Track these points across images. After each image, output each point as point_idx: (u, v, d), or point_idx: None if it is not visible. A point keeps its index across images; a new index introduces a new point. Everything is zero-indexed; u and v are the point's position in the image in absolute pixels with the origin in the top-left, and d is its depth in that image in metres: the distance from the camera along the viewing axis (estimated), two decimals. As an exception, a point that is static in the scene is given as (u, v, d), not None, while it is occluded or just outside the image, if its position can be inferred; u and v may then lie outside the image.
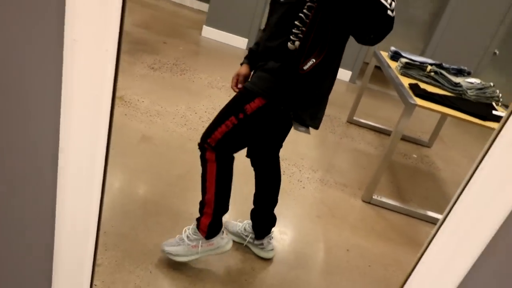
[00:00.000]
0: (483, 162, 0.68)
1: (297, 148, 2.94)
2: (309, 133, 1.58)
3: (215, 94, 3.47)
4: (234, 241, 1.85)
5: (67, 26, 0.60)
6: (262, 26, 5.07)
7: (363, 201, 2.57)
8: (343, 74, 5.02)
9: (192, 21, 5.53)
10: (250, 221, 1.87)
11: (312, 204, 2.38)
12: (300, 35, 1.37)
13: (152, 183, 2.15)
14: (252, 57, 1.64)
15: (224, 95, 3.49)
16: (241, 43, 4.99)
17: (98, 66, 0.63)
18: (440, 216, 2.57)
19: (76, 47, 0.61)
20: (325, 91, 1.54)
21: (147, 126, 2.66)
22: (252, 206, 1.84)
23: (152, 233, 1.82)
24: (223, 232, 1.70)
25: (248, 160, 1.79)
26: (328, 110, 3.87)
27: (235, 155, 1.60)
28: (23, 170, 0.80)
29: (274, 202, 1.81)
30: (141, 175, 2.19)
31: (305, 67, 1.38)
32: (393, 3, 1.24)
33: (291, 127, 1.67)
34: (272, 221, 1.84)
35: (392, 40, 5.10)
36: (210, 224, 1.62)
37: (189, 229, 1.67)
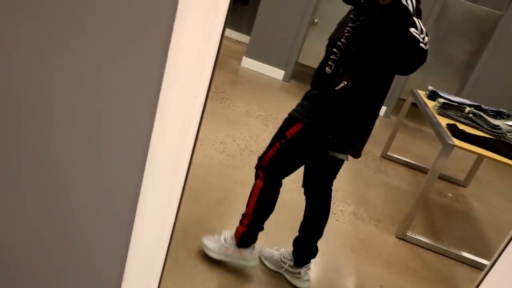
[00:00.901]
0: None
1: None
2: (347, 159, 1.67)
3: (252, 122, 3.59)
4: (269, 269, 1.92)
5: (166, 75, 0.71)
6: (300, 59, 5.24)
7: (397, 237, 2.56)
8: (378, 109, 5.07)
9: (233, 52, 5.76)
10: (288, 249, 1.93)
11: (345, 238, 2.40)
12: (336, 60, 1.49)
13: (192, 206, 2.25)
14: None
15: (260, 124, 3.61)
16: (279, 75, 5.16)
17: (187, 110, 0.74)
18: (476, 258, 2.53)
19: (171, 92, 0.72)
20: (363, 120, 1.60)
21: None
22: (296, 234, 1.89)
23: (191, 254, 1.90)
24: (254, 248, 1.83)
25: (292, 191, 1.86)
26: (363, 144, 3.91)
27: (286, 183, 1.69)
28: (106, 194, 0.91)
29: (320, 233, 1.86)
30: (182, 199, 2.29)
31: (337, 88, 1.47)
32: (426, 38, 1.35)
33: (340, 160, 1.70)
34: (313, 251, 1.89)
35: (428, 79, 5.16)
36: (244, 234, 1.79)
37: (229, 233, 1.86)
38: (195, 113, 0.75)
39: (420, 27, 1.37)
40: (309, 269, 1.91)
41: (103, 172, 0.90)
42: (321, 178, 1.79)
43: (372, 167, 3.53)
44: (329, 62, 1.54)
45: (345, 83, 1.47)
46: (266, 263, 1.95)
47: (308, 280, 1.90)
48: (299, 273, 1.88)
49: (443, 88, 3.87)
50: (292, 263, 1.89)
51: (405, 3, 1.30)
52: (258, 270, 1.93)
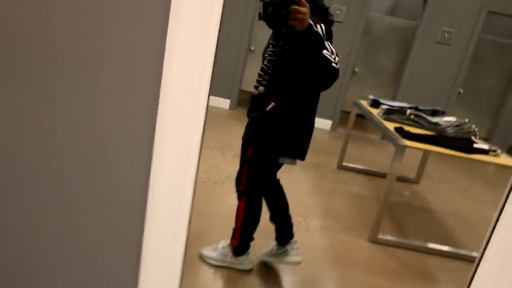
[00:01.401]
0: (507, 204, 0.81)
1: (298, 198, 3.05)
2: (295, 164, 1.85)
3: (208, 153, 3.59)
4: (264, 262, 2.17)
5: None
6: (243, 87, 5.38)
7: (370, 241, 2.66)
8: (324, 124, 5.29)
9: (175, 88, 5.76)
10: (225, 241, 2.12)
11: (323, 251, 2.45)
12: (264, 82, 1.69)
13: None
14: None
15: (217, 153, 3.61)
16: (225, 104, 5.23)
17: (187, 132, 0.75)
18: (444, 248, 2.69)
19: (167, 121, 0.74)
20: (302, 130, 1.81)
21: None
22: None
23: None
24: (248, 254, 2.05)
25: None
26: (318, 158, 4.06)
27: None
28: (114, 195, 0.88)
29: (286, 205, 2.09)
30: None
31: (268, 108, 1.70)
32: (337, 58, 1.53)
33: None
34: (290, 221, 2.11)
35: (365, 89, 5.49)
36: (237, 246, 2.02)
37: (225, 242, 2.08)
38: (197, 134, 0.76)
39: (331, 49, 1.52)
40: (295, 243, 2.12)
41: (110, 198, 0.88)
42: (273, 177, 2.04)
43: (332, 179, 3.66)
44: (255, 84, 1.74)
45: (273, 103, 1.68)
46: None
47: (297, 254, 2.10)
48: (286, 250, 2.09)
49: (379, 96, 4.15)
50: (277, 245, 2.09)
51: (316, 29, 1.45)
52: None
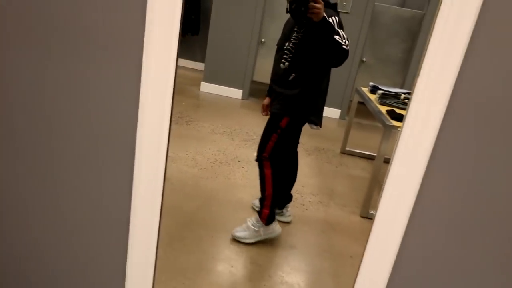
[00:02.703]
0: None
1: (298, 178, 3.28)
2: (319, 129, 2.28)
3: (218, 138, 3.86)
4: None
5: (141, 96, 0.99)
6: (255, 78, 5.62)
7: (361, 216, 2.87)
8: (333, 113, 5.48)
9: (191, 79, 6.07)
10: (252, 217, 2.36)
11: (316, 223, 2.68)
12: (289, 59, 2.08)
13: (175, 214, 2.47)
14: (270, 91, 2.37)
15: (226, 139, 3.88)
16: (237, 94, 5.49)
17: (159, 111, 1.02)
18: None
19: (149, 88, 1.00)
20: (322, 101, 2.24)
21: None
22: None
23: (179, 253, 2.11)
24: (276, 220, 2.34)
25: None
26: (323, 144, 4.27)
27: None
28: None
29: (293, 182, 2.54)
30: (164, 209, 2.51)
31: (290, 78, 2.11)
32: (347, 42, 1.93)
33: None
34: (290, 197, 2.59)
35: (374, 78, 5.63)
36: (269, 214, 2.25)
37: (252, 219, 2.30)
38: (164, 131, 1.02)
39: (342, 34, 1.95)
40: (288, 208, 2.59)
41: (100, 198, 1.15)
42: (295, 144, 2.43)
43: (334, 162, 3.86)
44: (282, 60, 2.10)
45: (294, 75, 2.11)
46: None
47: (289, 215, 2.58)
48: (282, 212, 2.55)
49: (388, 85, 4.31)
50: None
51: (330, 20, 1.89)
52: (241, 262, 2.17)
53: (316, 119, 2.22)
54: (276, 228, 2.33)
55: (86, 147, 1.15)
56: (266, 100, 2.42)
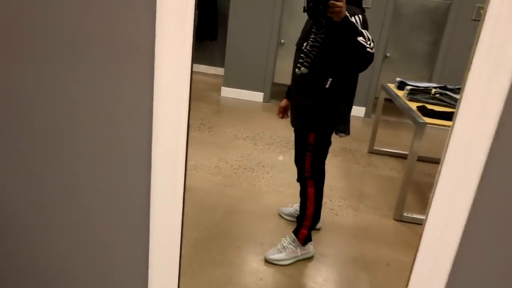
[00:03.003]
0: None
1: (325, 182, 3.15)
2: (347, 135, 2.08)
3: (241, 144, 3.78)
4: (289, 221, 2.48)
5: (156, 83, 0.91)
6: (275, 80, 5.51)
7: (395, 219, 2.71)
8: (358, 111, 5.30)
9: (211, 85, 6.03)
10: (298, 204, 2.27)
11: (346, 229, 2.55)
12: (306, 64, 1.87)
13: (199, 225, 2.39)
14: (288, 92, 2.22)
15: (249, 144, 3.79)
16: (258, 97, 5.40)
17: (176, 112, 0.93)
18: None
19: (162, 96, 0.91)
20: (347, 106, 2.03)
21: (186, 179, 2.94)
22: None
23: (205, 267, 2.03)
24: (311, 241, 2.20)
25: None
26: (349, 144, 4.11)
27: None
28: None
29: (322, 197, 2.22)
30: (188, 220, 2.43)
31: (327, 85, 1.89)
32: (372, 44, 1.72)
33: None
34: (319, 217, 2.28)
35: (400, 74, 5.43)
36: (306, 235, 2.14)
37: (287, 239, 2.17)
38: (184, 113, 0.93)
39: (367, 35, 1.73)
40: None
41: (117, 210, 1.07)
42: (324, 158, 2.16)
43: (362, 163, 3.71)
44: (298, 65, 1.90)
45: (330, 79, 1.89)
46: (285, 217, 2.51)
47: (319, 221, 2.40)
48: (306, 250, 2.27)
49: (414, 80, 4.11)
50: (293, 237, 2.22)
51: (352, 20, 1.68)
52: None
53: (344, 127, 2.04)
54: (311, 248, 2.20)
55: (99, 164, 1.08)
56: (284, 102, 2.26)
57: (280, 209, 2.58)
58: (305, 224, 2.13)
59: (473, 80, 0.81)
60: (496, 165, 0.88)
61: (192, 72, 1.00)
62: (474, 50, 0.80)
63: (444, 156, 0.90)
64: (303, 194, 2.13)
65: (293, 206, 2.54)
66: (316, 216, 2.16)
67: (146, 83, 0.98)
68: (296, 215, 2.36)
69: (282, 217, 2.55)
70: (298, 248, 2.14)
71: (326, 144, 2.07)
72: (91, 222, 1.14)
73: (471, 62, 0.80)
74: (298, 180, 2.15)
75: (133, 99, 1.01)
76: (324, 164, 2.13)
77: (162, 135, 1.00)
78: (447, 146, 0.89)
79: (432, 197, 0.96)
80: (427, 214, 0.98)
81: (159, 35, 0.92)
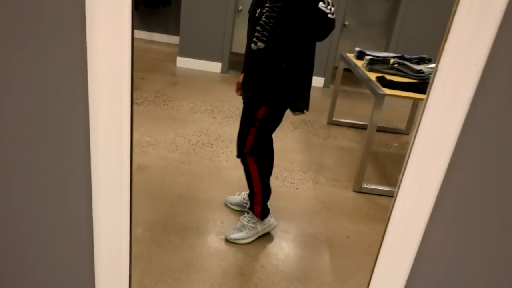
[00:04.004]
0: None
1: (286, 155, 3.11)
2: (304, 113, 1.95)
3: (199, 118, 3.64)
4: (236, 211, 2.31)
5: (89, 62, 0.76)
6: (234, 49, 5.32)
7: (354, 191, 2.73)
8: (317, 81, 5.26)
9: (166, 54, 5.74)
10: (247, 192, 2.18)
11: (307, 202, 2.53)
12: (263, 38, 1.72)
13: (156, 206, 2.28)
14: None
15: (207, 117, 3.66)
16: (216, 68, 5.21)
17: (116, 89, 0.79)
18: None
19: (97, 76, 0.77)
20: (307, 81, 1.90)
21: (141, 156, 2.80)
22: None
23: (164, 250, 1.94)
24: (270, 212, 2.13)
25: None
26: (308, 116, 4.08)
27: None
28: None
29: (270, 173, 2.11)
30: (144, 201, 2.32)
31: (285, 65, 1.78)
32: (333, 8, 1.62)
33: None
34: (269, 190, 2.13)
35: (357, 43, 5.41)
36: (262, 209, 2.07)
37: (245, 217, 2.11)
38: (125, 90, 0.80)
39: (327, 0, 1.63)
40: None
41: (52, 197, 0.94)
42: (269, 136, 2.04)
43: (321, 134, 3.70)
44: (254, 39, 1.73)
45: (286, 59, 1.77)
46: (232, 207, 2.33)
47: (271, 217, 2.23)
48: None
49: (371, 48, 4.09)
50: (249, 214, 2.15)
51: None
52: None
53: (301, 103, 1.89)
54: (272, 220, 2.15)
55: (30, 146, 0.93)
56: (241, 77, 2.06)
57: (227, 198, 2.38)
58: (256, 200, 2.06)
59: (449, 52, 0.75)
60: (469, 141, 0.84)
61: (133, 36, 0.85)
62: (452, 20, 0.73)
63: (416, 131, 0.84)
64: (246, 172, 2.02)
65: (241, 194, 2.35)
66: (266, 190, 2.07)
67: (77, 54, 0.84)
68: (245, 204, 2.28)
69: (228, 206, 2.35)
70: (258, 224, 2.09)
71: (275, 121, 1.93)
72: (25, 203, 1.00)
73: (447, 33, 0.73)
74: (238, 156, 2.00)
75: (62, 74, 0.86)
76: (269, 141, 2.02)
77: (101, 113, 0.87)
78: (420, 120, 0.83)
79: (402, 175, 0.91)
80: (396, 193, 0.93)
81: None
